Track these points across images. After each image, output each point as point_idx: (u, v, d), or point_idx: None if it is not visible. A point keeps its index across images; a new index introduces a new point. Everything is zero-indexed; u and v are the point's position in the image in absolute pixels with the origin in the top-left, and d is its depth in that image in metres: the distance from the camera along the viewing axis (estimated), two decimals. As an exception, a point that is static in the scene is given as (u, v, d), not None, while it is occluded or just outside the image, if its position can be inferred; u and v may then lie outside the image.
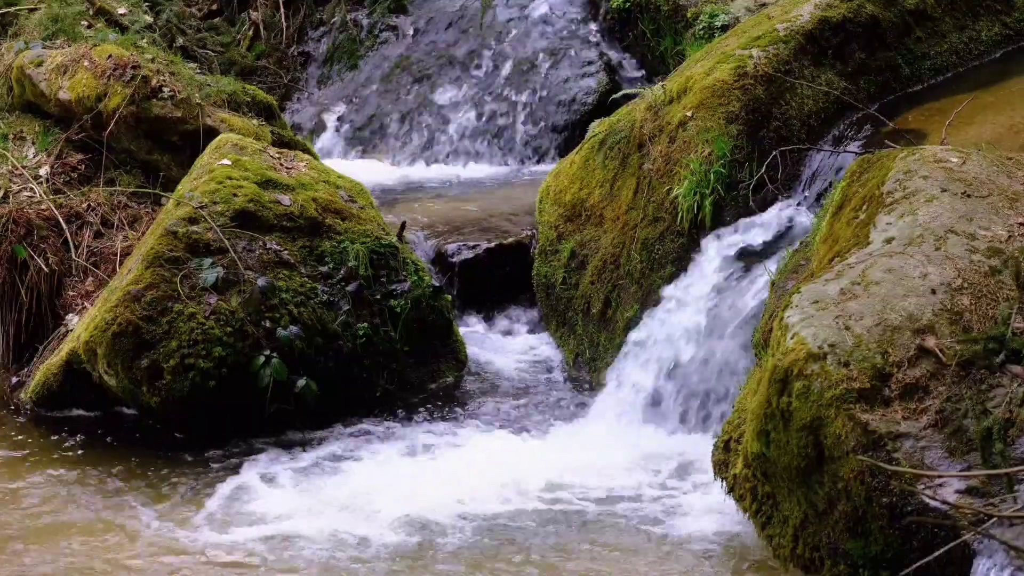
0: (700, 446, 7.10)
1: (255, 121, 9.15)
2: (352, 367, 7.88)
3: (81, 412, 7.95)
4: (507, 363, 8.37)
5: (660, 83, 8.41)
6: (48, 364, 8.00)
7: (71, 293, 8.43)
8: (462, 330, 8.50)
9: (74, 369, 7.84)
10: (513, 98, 11.04)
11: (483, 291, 8.85)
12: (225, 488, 7.08)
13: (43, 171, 8.86)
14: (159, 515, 6.82)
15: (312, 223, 8.02)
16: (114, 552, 6.48)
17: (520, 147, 10.87)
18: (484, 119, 11.02)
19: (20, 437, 7.77)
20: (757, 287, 7.31)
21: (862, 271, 5.97)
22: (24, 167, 8.84)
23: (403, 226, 8.45)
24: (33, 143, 9.07)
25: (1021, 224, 6.09)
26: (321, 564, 6.32)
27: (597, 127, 8.65)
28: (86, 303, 8.31)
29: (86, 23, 10.26)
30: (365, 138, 11.27)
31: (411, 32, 11.71)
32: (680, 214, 7.75)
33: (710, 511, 6.60)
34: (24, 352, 8.41)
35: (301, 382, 7.58)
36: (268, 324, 7.62)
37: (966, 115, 7.41)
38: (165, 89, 8.91)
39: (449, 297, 8.34)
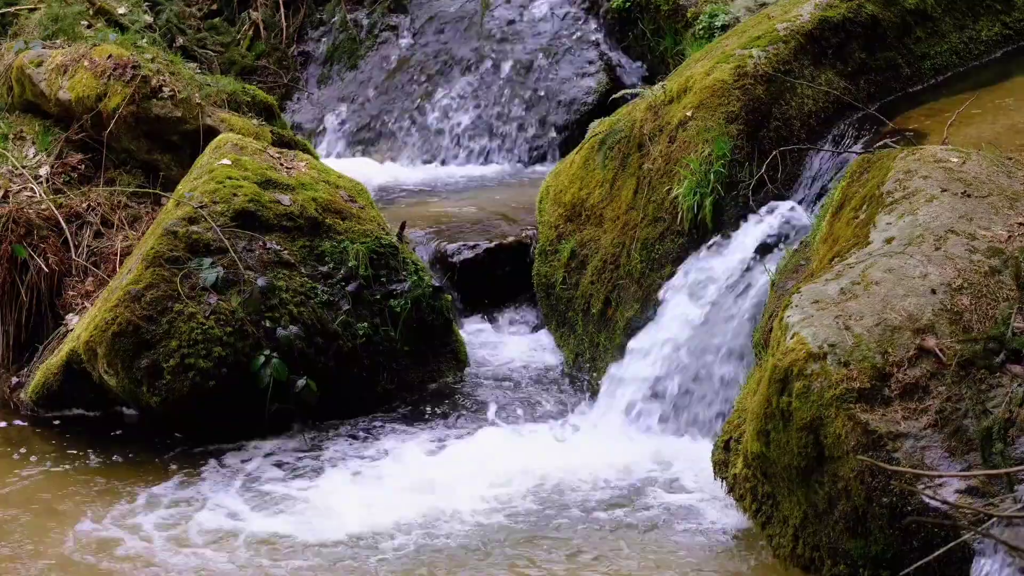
0: (699, 446, 7.10)
1: (255, 121, 9.15)
2: (352, 367, 7.88)
3: (81, 412, 7.95)
4: (507, 363, 8.37)
5: (660, 83, 8.41)
6: (48, 364, 8.00)
7: (71, 293, 8.43)
8: (462, 330, 8.51)
9: (74, 369, 7.84)
10: (513, 98, 11.04)
11: (483, 291, 8.85)
12: (226, 488, 7.09)
13: (43, 171, 8.86)
14: (160, 515, 6.83)
15: (312, 223, 8.02)
16: (114, 553, 6.48)
17: (520, 147, 10.87)
18: (484, 119, 11.02)
19: (20, 437, 7.77)
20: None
21: (862, 271, 5.97)
22: (24, 167, 8.84)
23: (403, 226, 8.46)
24: (33, 143, 9.07)
25: (1021, 224, 6.10)
26: (320, 567, 6.32)
27: (597, 127, 8.65)
28: (86, 303, 8.31)
29: (86, 23, 10.27)
30: (365, 138, 11.28)
31: (411, 32, 11.71)
32: (680, 214, 7.75)
33: (709, 511, 6.61)
34: (24, 352, 8.41)
35: (301, 382, 7.58)
36: (268, 324, 7.62)
37: (966, 115, 7.42)
38: (165, 89, 8.91)
39: (449, 297, 8.34)
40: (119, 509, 6.90)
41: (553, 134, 10.82)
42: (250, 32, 11.76)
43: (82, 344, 7.67)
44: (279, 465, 7.33)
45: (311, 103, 11.60)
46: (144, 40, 9.96)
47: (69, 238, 8.57)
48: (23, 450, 7.61)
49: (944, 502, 5.31)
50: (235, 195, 7.93)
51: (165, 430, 7.66)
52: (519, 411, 7.84)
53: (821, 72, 8.05)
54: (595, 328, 8.14)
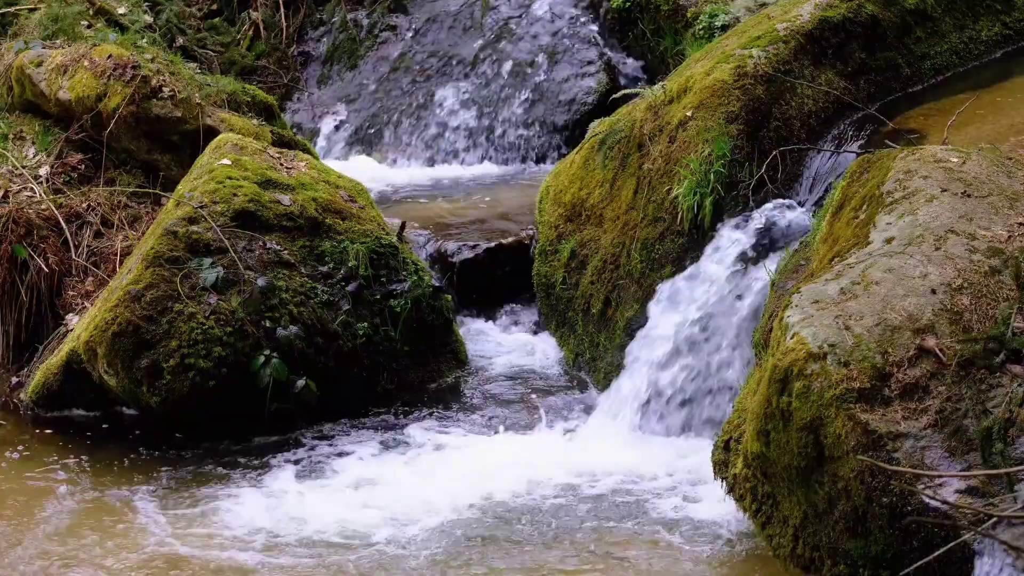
0: (699, 446, 7.10)
1: (255, 121, 9.15)
2: (352, 367, 7.88)
3: (81, 412, 7.95)
4: (507, 363, 8.37)
5: (660, 83, 8.41)
6: (48, 364, 8.00)
7: (71, 293, 8.43)
8: (462, 330, 8.50)
9: (74, 369, 7.84)
10: (513, 98, 11.04)
11: (483, 291, 8.85)
12: (225, 488, 7.09)
13: (43, 171, 8.86)
14: (159, 516, 6.82)
15: (312, 223, 8.02)
16: (114, 553, 6.49)
17: (520, 147, 10.87)
18: (484, 119, 11.02)
19: (20, 437, 7.77)
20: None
21: (862, 271, 5.97)
22: (24, 167, 8.84)
23: (403, 226, 8.46)
24: (33, 143, 9.07)
25: (1021, 224, 6.10)
26: (313, 569, 6.32)
27: (597, 127, 8.65)
28: (86, 303, 8.31)
29: (86, 23, 10.26)
30: (365, 138, 11.28)
31: (411, 32, 11.71)
32: (680, 214, 7.75)
33: (709, 511, 6.61)
34: (24, 352, 8.41)
35: (301, 382, 7.58)
36: (268, 324, 7.62)
37: (966, 115, 7.42)
38: (165, 89, 8.91)
39: (449, 297, 8.34)
40: (117, 510, 6.90)
41: (553, 134, 10.82)
42: (250, 32, 11.76)
43: (82, 344, 7.67)
44: (277, 464, 7.32)
45: (311, 103, 11.60)
46: (144, 40, 9.96)
47: (69, 238, 8.57)
48: (23, 450, 7.60)
49: (944, 502, 5.31)
50: (235, 195, 7.93)
51: (165, 430, 7.66)
52: (519, 411, 7.84)
53: (821, 72, 8.05)
54: (595, 328, 8.14)
